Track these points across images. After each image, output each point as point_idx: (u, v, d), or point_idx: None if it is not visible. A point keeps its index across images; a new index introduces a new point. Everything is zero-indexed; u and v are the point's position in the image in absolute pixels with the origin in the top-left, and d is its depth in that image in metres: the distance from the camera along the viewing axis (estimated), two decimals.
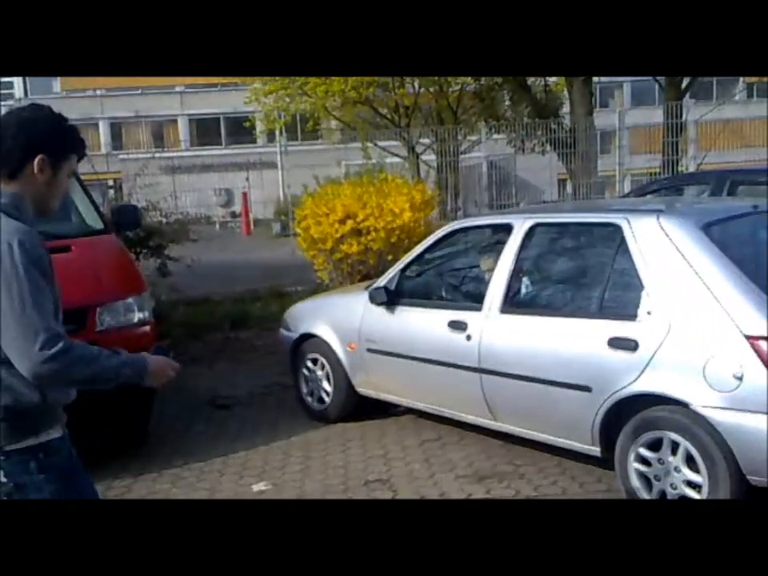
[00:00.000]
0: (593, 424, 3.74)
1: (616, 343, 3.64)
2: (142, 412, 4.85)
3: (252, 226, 25.06)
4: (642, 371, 3.54)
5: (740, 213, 4.01)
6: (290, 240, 12.02)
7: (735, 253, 3.55)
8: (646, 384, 3.53)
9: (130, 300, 4.73)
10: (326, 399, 5.28)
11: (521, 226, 4.31)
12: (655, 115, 16.10)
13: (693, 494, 3.42)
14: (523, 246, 4.27)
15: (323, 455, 4.73)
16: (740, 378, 3.25)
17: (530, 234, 4.28)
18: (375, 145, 16.81)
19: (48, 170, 1.96)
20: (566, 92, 15.52)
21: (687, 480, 3.44)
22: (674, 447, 3.47)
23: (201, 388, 6.25)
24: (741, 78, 32.24)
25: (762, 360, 3.21)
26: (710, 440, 3.34)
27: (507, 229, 4.40)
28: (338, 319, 5.23)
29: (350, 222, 7.69)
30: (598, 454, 3.84)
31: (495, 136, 17.20)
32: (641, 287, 3.65)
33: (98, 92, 35.48)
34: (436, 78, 17.21)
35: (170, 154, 26.98)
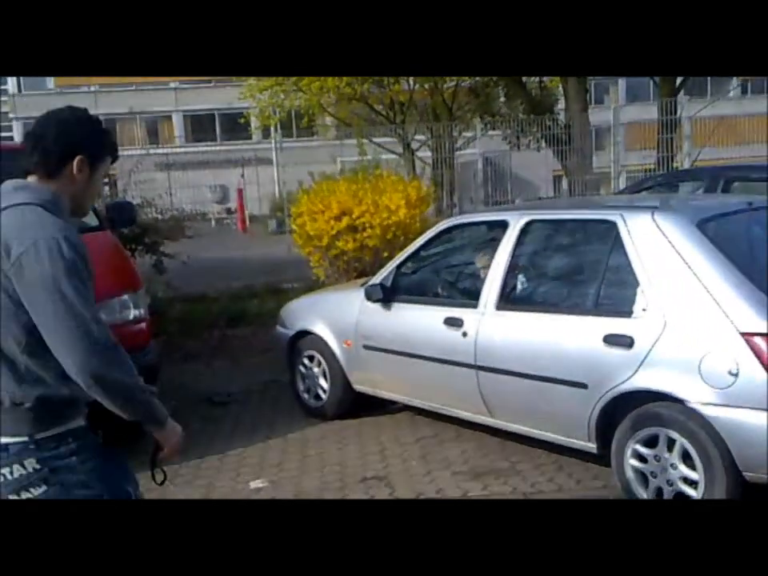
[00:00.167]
0: (589, 420, 3.75)
1: (612, 340, 3.65)
2: None
3: (248, 223, 25.02)
4: (638, 368, 3.55)
5: (735, 209, 4.02)
6: (285, 237, 12.01)
7: (730, 249, 3.56)
8: (642, 381, 3.54)
9: (126, 297, 4.72)
10: (323, 396, 5.29)
11: (516, 222, 4.31)
12: (650, 111, 16.12)
13: (689, 490, 3.44)
14: (519, 242, 4.27)
15: (320, 452, 4.74)
16: (735, 375, 3.26)
17: (525, 230, 4.28)
18: (370, 141, 16.81)
19: (86, 171, 2.01)
20: (561, 88, 15.54)
21: (683, 476, 3.46)
22: (670, 444, 3.49)
23: (197, 385, 6.25)
24: None
25: (758, 356, 3.22)
26: (705, 436, 3.35)
27: (503, 225, 4.41)
28: (334, 316, 5.23)
29: (345, 219, 7.69)
30: (595, 451, 3.85)
31: (490, 132, 17.22)
32: (636, 284, 3.66)
33: (92, 88, 35.36)
34: None
35: (165, 151, 26.90)
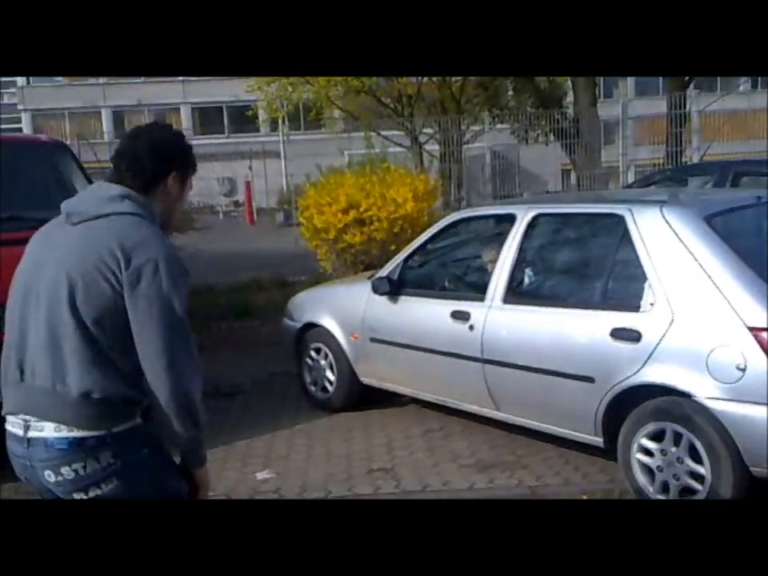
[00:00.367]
0: (596, 414, 3.75)
1: (619, 334, 3.64)
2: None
3: (255, 216, 25.05)
4: (645, 362, 3.54)
5: (743, 204, 4.01)
6: (293, 229, 12.02)
7: (738, 244, 3.55)
8: (649, 375, 3.54)
9: None
10: (330, 388, 5.30)
11: (524, 216, 4.31)
12: (659, 106, 16.05)
13: (695, 484, 3.44)
14: (526, 236, 4.27)
15: (327, 444, 4.75)
16: (743, 369, 3.25)
17: (532, 224, 4.28)
18: (378, 134, 16.78)
19: (178, 186, 2.12)
20: (569, 82, 15.47)
21: (690, 471, 3.45)
22: (677, 438, 3.48)
23: (204, 377, 6.25)
24: None
25: (765, 351, 3.21)
26: (712, 431, 3.35)
27: (510, 219, 4.40)
28: (341, 309, 5.24)
29: (352, 212, 7.69)
30: (601, 445, 3.85)
31: (498, 126, 17.19)
32: (644, 278, 3.65)
33: (101, 80, 35.41)
34: None
35: None
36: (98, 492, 1.90)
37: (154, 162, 2.05)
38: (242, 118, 28.47)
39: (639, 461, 3.63)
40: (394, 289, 4.80)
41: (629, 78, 35.76)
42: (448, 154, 14.30)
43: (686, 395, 3.43)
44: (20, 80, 36.01)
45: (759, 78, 31.36)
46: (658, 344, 3.51)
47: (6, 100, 36.92)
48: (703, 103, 14.72)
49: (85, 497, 1.90)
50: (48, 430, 1.89)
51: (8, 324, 2.03)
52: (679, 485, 3.49)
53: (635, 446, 3.63)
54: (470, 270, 4.82)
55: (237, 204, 29.77)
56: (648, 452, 3.60)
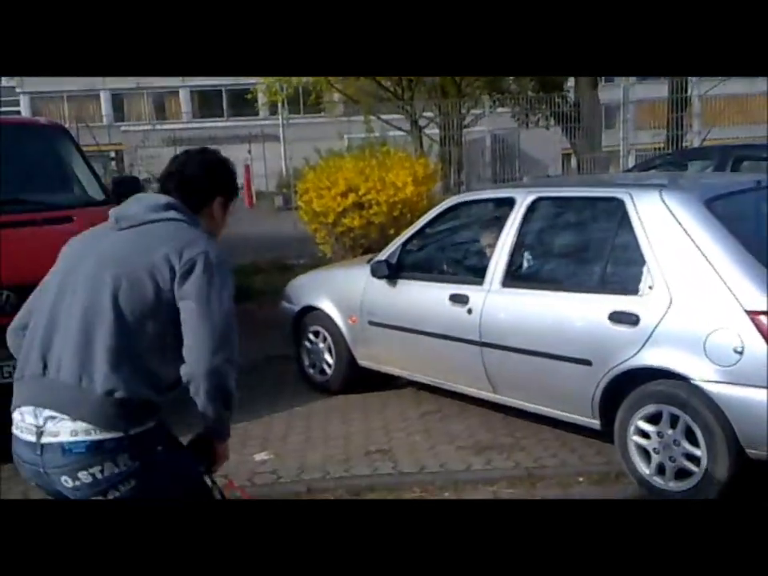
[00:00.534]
0: (593, 397, 3.76)
1: (617, 317, 3.65)
2: None
3: (254, 199, 25.01)
4: (643, 345, 3.55)
5: (743, 188, 4.00)
6: (292, 213, 12.00)
7: (738, 228, 3.55)
8: (647, 358, 3.55)
9: None
10: (328, 371, 5.32)
11: (523, 199, 4.30)
12: (660, 90, 15.97)
13: (691, 466, 3.45)
14: (525, 220, 4.26)
15: (325, 426, 4.77)
16: (740, 353, 3.26)
17: (532, 208, 4.27)
18: (378, 118, 16.73)
19: (221, 211, 2.23)
20: None
21: (686, 453, 3.47)
22: (674, 421, 3.50)
23: None
24: None
25: (763, 335, 3.22)
26: (709, 413, 3.37)
27: (509, 203, 4.39)
28: (340, 292, 5.24)
29: (351, 196, 7.68)
30: (598, 427, 3.87)
31: (499, 110, 17.11)
32: (643, 262, 3.65)
33: None
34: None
35: (172, 126, 26.83)
36: (117, 494, 1.90)
37: (205, 184, 2.16)
38: (242, 102, 28.33)
39: (636, 443, 3.65)
40: (392, 272, 4.80)
41: None
42: (448, 138, 14.27)
43: (683, 378, 3.44)
44: None
45: None
46: (655, 327, 3.52)
47: (4, 83, 36.69)
48: (704, 87, 14.65)
49: (103, 499, 1.90)
50: (64, 435, 1.86)
51: (35, 319, 2.03)
52: (675, 467, 3.51)
53: (632, 429, 3.65)
54: (469, 254, 4.81)
55: None
56: (645, 434, 3.62)
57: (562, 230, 4.36)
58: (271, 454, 4.36)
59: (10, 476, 3.72)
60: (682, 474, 3.50)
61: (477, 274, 4.39)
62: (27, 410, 1.93)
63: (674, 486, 3.52)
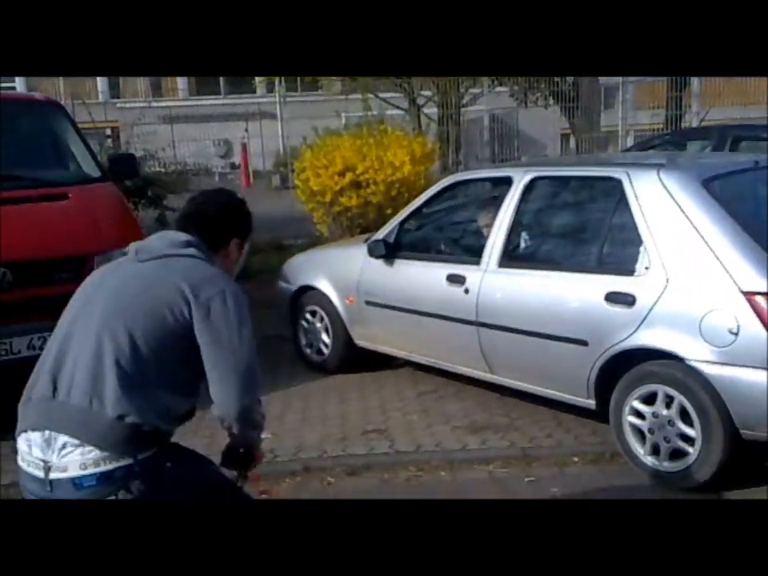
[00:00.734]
0: (588, 377, 3.77)
1: (613, 298, 3.65)
2: None
3: (251, 178, 24.88)
4: (639, 326, 3.56)
5: (741, 168, 3.99)
6: (289, 192, 11.95)
7: (735, 208, 3.55)
8: (643, 338, 3.56)
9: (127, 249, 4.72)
10: (325, 351, 5.32)
11: (520, 179, 4.29)
12: None
13: (686, 446, 3.47)
14: (523, 199, 4.25)
15: (322, 405, 4.78)
16: (736, 334, 3.27)
17: (529, 187, 4.26)
18: (376, 96, 16.57)
19: (237, 251, 2.29)
20: None
21: (681, 433, 3.49)
22: (669, 401, 3.51)
23: None
24: None
25: (758, 315, 3.23)
26: (704, 394, 3.38)
27: (507, 182, 4.38)
28: (337, 272, 5.24)
29: (349, 175, 7.64)
30: (593, 407, 3.88)
31: (497, 89, 16.97)
32: (639, 242, 3.65)
33: None
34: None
35: (168, 103, 26.63)
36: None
37: (222, 226, 2.21)
38: (238, 79, 28.09)
39: (631, 423, 3.67)
40: (389, 252, 4.79)
41: None
42: (446, 117, 14.17)
43: (678, 359, 3.45)
44: None
45: None
46: (652, 308, 3.52)
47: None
48: None
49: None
50: (73, 469, 1.83)
51: (48, 345, 2.04)
52: (670, 447, 3.53)
53: (627, 409, 3.66)
54: (466, 234, 4.81)
55: (233, 166, 29.50)
56: (639, 414, 3.63)
57: (560, 210, 4.36)
58: (269, 434, 4.34)
59: (8, 453, 3.74)
60: (676, 454, 3.52)
61: (474, 253, 4.39)
62: (35, 437, 1.88)
63: (668, 465, 3.54)
